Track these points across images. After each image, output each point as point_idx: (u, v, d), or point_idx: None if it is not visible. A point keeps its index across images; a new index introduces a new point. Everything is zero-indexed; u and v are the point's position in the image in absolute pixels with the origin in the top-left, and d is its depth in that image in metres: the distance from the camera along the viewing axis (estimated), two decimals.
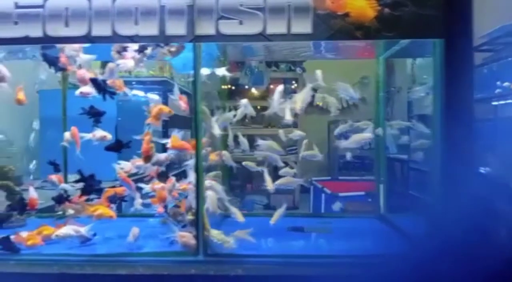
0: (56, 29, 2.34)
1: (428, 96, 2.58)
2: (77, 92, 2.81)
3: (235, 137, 3.08)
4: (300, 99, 2.65)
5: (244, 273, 2.31)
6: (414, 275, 1.36)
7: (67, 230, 2.60)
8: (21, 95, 2.93)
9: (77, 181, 2.76)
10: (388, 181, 3.43)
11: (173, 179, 2.89)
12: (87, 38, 2.34)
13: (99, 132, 2.90)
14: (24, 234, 2.63)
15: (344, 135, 2.85)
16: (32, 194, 2.75)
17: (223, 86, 3.82)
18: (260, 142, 2.84)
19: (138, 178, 3.09)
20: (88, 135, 2.91)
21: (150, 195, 3.02)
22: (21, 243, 2.59)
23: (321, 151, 2.87)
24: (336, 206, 3.97)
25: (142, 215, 3.21)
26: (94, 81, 2.74)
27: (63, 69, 3.10)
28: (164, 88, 5.53)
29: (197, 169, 2.41)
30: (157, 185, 2.92)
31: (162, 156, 2.75)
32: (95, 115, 2.73)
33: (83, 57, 2.87)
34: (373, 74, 3.44)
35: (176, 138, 2.57)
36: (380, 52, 3.26)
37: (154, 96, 5.19)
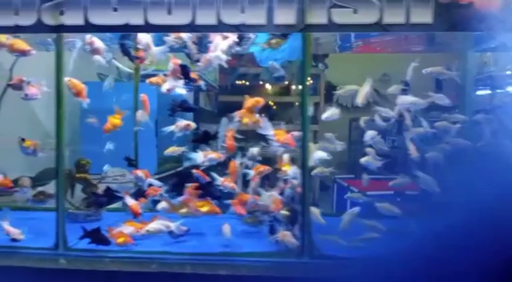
0: (159, 17, 2.22)
1: None
2: (164, 89, 2.72)
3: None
4: (362, 94, 2.56)
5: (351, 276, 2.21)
6: None
7: (158, 225, 2.51)
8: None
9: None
10: None
11: (257, 177, 2.77)
12: (190, 27, 2.22)
13: (181, 122, 2.81)
14: (115, 229, 2.54)
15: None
16: (130, 202, 2.66)
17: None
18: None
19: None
20: (171, 127, 2.83)
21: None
22: (112, 239, 2.51)
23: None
24: None
25: None
26: (184, 68, 2.63)
27: (137, 59, 3.01)
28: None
29: (303, 165, 2.28)
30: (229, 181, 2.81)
31: (254, 151, 2.63)
32: (186, 110, 2.62)
33: (155, 49, 2.77)
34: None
35: (281, 132, 2.43)
36: (469, 46, 3.07)
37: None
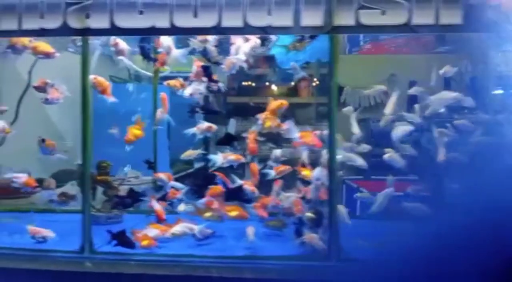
0: (184, 20, 2.21)
1: None
2: (186, 93, 2.73)
3: None
4: (391, 104, 2.60)
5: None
6: None
7: (182, 228, 2.50)
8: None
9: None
10: None
11: (280, 181, 2.76)
12: (216, 29, 2.20)
13: (203, 125, 2.81)
14: (140, 231, 2.54)
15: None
16: (156, 206, 2.66)
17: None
18: None
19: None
20: (192, 129, 2.83)
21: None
22: (137, 242, 2.50)
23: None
24: None
25: None
26: (206, 69, 2.63)
27: (156, 61, 3.01)
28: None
29: (330, 167, 2.25)
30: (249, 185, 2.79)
31: (277, 152, 2.62)
32: (209, 113, 2.62)
33: (175, 52, 2.78)
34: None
35: (308, 133, 2.42)
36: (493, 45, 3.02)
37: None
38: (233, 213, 2.53)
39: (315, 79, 4.93)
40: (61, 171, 3.47)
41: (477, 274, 2.08)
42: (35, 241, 2.54)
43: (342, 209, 2.47)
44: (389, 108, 2.54)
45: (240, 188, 2.57)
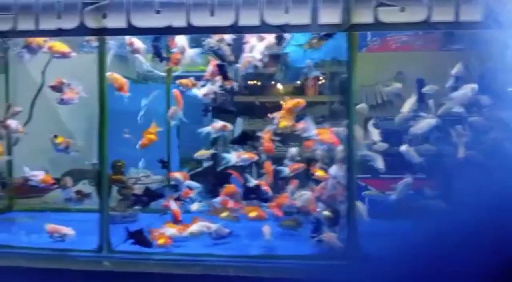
0: (201, 19, 2.20)
1: None
2: (201, 94, 2.74)
3: None
4: (409, 104, 2.63)
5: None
6: None
7: (199, 227, 2.50)
8: None
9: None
10: None
11: (296, 181, 2.75)
12: (233, 28, 2.20)
13: (218, 123, 2.81)
14: (157, 230, 2.54)
15: None
16: (173, 207, 2.67)
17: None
18: None
19: None
20: (207, 128, 2.83)
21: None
22: (154, 240, 2.51)
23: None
24: None
25: None
26: (221, 68, 2.63)
27: (168, 60, 3.01)
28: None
29: (349, 166, 2.23)
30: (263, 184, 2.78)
31: (293, 151, 2.61)
32: (224, 112, 2.62)
33: (189, 51, 2.78)
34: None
35: (325, 131, 2.40)
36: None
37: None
38: (252, 214, 2.52)
39: (321, 77, 4.96)
40: (72, 170, 3.49)
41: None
42: (53, 240, 2.56)
43: (360, 206, 2.45)
44: (407, 107, 2.52)
45: (257, 187, 2.56)
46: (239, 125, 4.67)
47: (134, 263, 2.38)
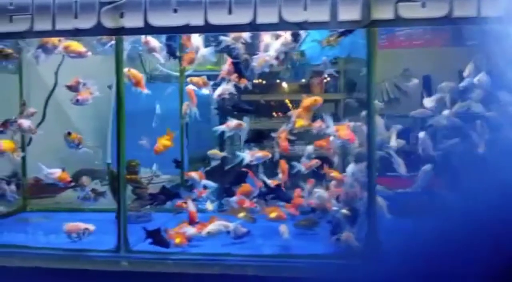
0: (219, 17, 2.19)
1: None
2: (215, 95, 2.75)
3: None
4: (432, 101, 2.63)
5: None
6: None
7: (217, 226, 2.48)
8: None
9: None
10: None
11: (313, 180, 2.73)
12: (251, 26, 2.18)
13: (233, 122, 2.80)
14: (173, 229, 2.53)
15: None
16: (191, 208, 2.66)
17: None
18: None
19: None
20: (221, 127, 2.82)
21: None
22: (171, 240, 2.50)
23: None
24: None
25: None
26: (236, 65, 2.63)
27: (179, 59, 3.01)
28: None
29: (369, 163, 2.20)
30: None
31: (310, 148, 2.59)
32: (242, 111, 2.60)
33: (203, 50, 2.78)
34: None
35: (343, 127, 2.38)
36: None
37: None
38: (273, 215, 2.50)
39: (335, 75, 4.92)
40: (82, 170, 3.49)
41: None
42: (70, 241, 2.55)
43: (382, 202, 2.39)
44: (429, 103, 2.52)
45: (278, 187, 2.54)
46: (246, 124, 4.68)
47: (152, 263, 2.37)
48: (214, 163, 3.70)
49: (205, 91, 3.12)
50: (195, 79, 2.98)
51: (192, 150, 3.80)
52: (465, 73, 2.60)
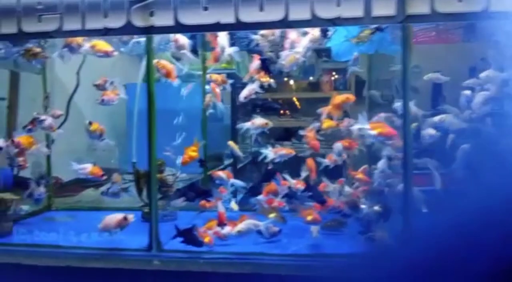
0: (250, 14, 2.16)
1: None
2: (241, 97, 2.74)
3: None
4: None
5: None
6: None
7: (247, 225, 2.47)
8: None
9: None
10: None
11: (343, 179, 2.70)
12: (283, 22, 2.15)
13: (258, 120, 2.77)
14: (202, 229, 2.52)
15: None
16: (221, 208, 2.65)
17: None
18: None
19: None
20: (246, 124, 2.80)
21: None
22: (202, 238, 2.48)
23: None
24: None
25: None
26: (263, 62, 2.63)
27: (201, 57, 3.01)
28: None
29: (405, 159, 2.16)
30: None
31: (339, 146, 2.56)
32: (269, 110, 2.58)
33: (228, 49, 2.75)
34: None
35: (381, 124, 2.33)
36: None
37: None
38: (309, 217, 2.48)
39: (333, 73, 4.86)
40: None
41: None
42: (102, 239, 2.55)
43: (419, 195, 2.32)
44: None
45: (313, 187, 2.52)
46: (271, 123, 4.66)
47: (184, 262, 2.36)
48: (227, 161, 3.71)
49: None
50: (214, 76, 2.97)
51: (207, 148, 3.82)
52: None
